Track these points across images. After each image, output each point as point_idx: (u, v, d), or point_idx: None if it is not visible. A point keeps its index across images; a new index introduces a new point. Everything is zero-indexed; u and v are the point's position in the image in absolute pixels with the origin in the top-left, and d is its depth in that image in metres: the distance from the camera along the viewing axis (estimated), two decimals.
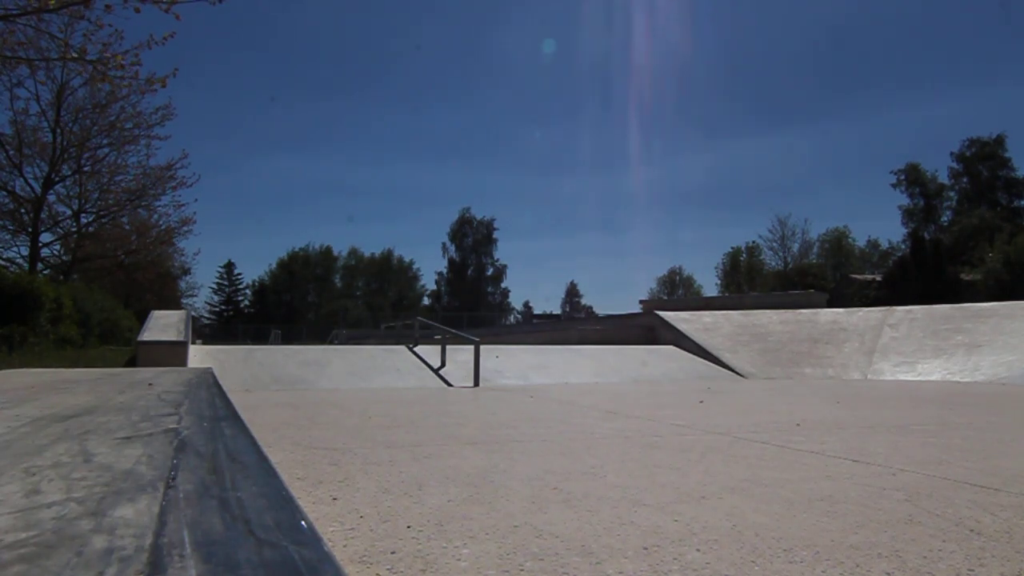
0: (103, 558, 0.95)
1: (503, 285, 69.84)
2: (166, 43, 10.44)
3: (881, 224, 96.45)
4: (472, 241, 68.23)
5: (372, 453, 3.17)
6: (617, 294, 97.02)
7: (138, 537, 1.05)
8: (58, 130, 19.06)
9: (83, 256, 21.08)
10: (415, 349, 11.03)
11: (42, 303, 11.04)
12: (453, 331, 11.13)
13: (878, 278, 42.32)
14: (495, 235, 68.62)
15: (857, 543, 1.73)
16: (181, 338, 9.25)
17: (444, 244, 68.66)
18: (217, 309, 66.37)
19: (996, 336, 10.88)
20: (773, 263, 57.52)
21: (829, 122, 76.51)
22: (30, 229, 19.20)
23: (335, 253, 71.55)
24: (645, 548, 1.68)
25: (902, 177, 51.62)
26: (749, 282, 55.01)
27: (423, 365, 10.06)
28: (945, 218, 50.73)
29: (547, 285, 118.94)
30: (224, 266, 66.75)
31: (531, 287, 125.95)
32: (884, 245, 58.27)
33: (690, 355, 12.26)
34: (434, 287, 70.26)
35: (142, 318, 12.39)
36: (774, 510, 2.07)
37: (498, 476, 2.61)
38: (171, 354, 8.90)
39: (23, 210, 19.56)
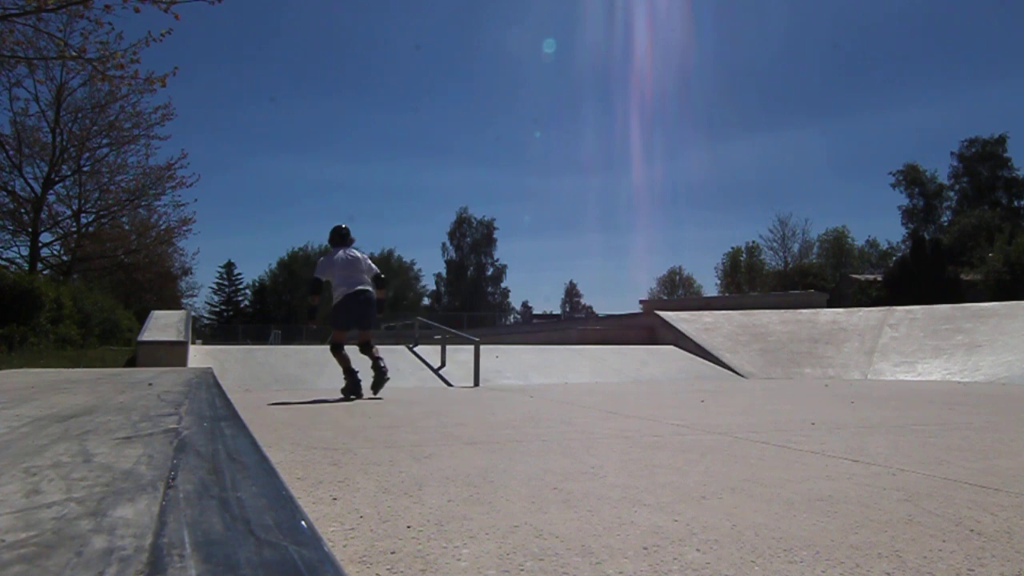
0: (103, 558, 0.95)
1: (503, 285, 69.82)
2: (164, 40, 10.45)
3: (881, 224, 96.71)
4: (471, 241, 68.24)
5: (372, 453, 3.17)
6: (617, 294, 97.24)
7: (138, 537, 1.05)
8: (58, 130, 19.07)
9: (83, 256, 21.10)
10: (415, 349, 11.03)
11: (42, 303, 11.05)
12: (453, 331, 11.13)
13: (878, 278, 42.31)
14: (495, 235, 68.60)
15: (857, 543, 1.73)
16: (181, 338, 9.25)
17: (444, 244, 68.66)
18: (217, 309, 66.38)
19: (996, 336, 10.88)
20: (773, 263, 57.52)
21: (829, 122, 76.65)
22: (30, 229, 19.21)
23: None
24: (645, 548, 1.68)
25: (900, 178, 51.68)
26: (749, 282, 54.99)
27: (423, 365, 10.06)
28: (945, 218, 50.78)
29: (547, 285, 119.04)
30: (224, 266, 66.78)
31: (531, 287, 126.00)
32: (884, 245, 58.36)
33: (690, 355, 12.26)
34: (434, 287, 70.25)
35: (142, 318, 12.39)
36: (774, 510, 2.07)
37: (498, 476, 2.61)
38: (171, 354, 8.90)
39: (23, 210, 19.57)
